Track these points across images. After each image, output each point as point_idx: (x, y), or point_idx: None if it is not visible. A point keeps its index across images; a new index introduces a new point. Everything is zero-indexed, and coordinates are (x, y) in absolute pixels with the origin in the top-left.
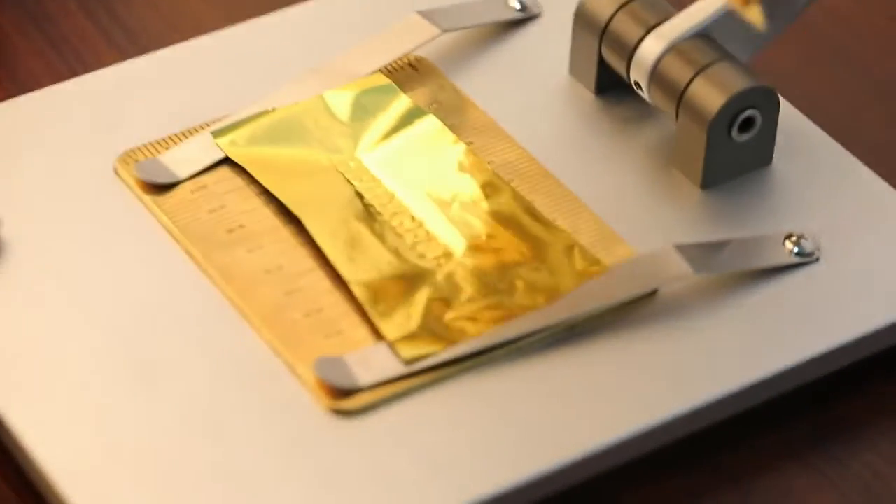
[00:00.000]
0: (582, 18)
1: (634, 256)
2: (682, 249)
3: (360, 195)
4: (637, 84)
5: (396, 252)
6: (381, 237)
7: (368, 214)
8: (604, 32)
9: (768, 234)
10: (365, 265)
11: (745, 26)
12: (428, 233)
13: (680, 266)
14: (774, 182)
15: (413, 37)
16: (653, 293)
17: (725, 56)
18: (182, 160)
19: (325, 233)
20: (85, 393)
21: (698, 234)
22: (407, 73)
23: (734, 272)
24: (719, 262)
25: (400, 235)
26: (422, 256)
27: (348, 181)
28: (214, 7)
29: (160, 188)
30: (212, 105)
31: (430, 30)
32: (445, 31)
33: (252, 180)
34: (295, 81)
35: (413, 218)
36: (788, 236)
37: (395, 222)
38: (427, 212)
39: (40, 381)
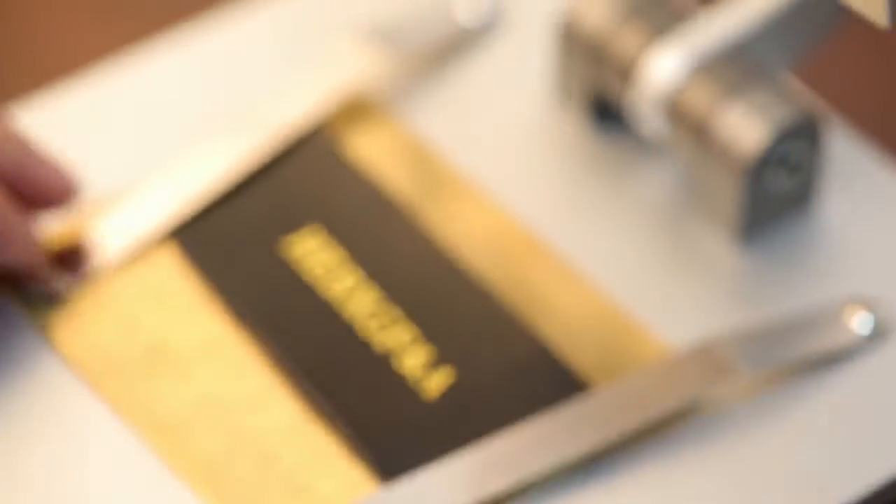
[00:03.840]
0: (569, 34)
1: (661, 360)
2: (723, 342)
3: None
4: (642, 113)
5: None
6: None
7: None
8: (601, 49)
9: (821, 306)
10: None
11: (786, 29)
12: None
13: (727, 365)
14: (821, 228)
15: (351, 69)
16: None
17: (760, 74)
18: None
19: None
20: None
21: (735, 305)
22: (346, 117)
23: (790, 364)
24: (771, 353)
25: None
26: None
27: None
28: (95, 31)
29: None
30: (101, 173)
31: (371, 59)
32: (395, 58)
33: (169, 277)
34: (214, 141)
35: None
36: (847, 305)
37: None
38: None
39: None
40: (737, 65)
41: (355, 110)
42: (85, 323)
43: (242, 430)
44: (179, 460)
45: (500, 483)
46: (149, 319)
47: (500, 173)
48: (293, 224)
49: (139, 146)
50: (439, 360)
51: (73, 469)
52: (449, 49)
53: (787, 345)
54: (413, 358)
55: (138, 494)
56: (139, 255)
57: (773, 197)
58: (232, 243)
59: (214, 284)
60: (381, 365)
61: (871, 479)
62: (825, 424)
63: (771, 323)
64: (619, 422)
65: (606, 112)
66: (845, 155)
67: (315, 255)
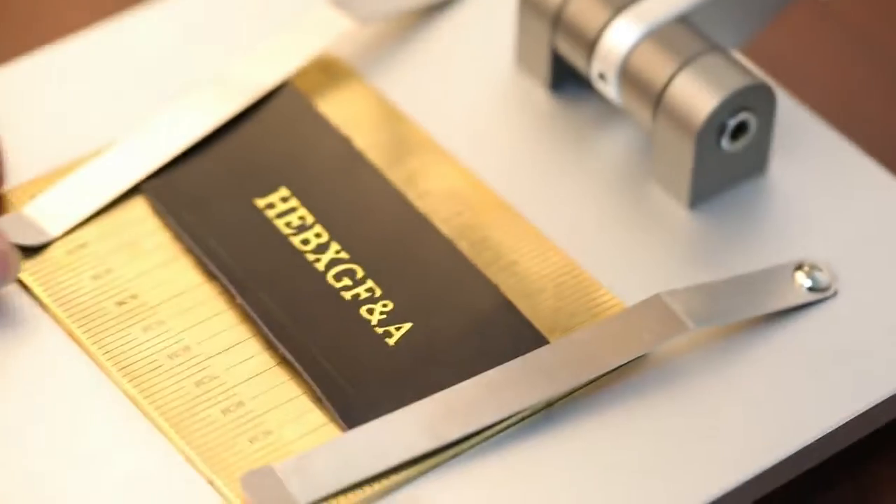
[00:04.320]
0: None
1: (616, 314)
2: (675, 297)
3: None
4: (601, 76)
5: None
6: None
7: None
8: (558, 15)
9: (773, 268)
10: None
11: (737, 7)
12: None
13: (675, 321)
14: (773, 194)
15: (322, 32)
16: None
17: (712, 46)
18: (53, 212)
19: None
20: None
21: (690, 268)
22: (317, 79)
23: (737, 320)
24: (721, 311)
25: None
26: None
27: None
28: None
29: (26, 251)
30: (80, 133)
31: (342, 22)
32: (362, 22)
33: (143, 234)
34: (185, 101)
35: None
36: (799, 266)
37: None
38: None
39: None
40: (690, 36)
41: (326, 72)
42: (61, 273)
43: (211, 376)
44: (150, 404)
45: (458, 429)
46: (122, 271)
47: (465, 136)
48: (265, 183)
49: (115, 108)
50: (402, 311)
51: (47, 412)
52: (417, 13)
53: (735, 302)
54: (377, 310)
55: (110, 436)
56: (113, 208)
57: (725, 162)
58: (204, 198)
59: (186, 237)
60: (347, 315)
61: (811, 432)
62: (770, 376)
63: (721, 281)
64: (574, 372)
65: (568, 77)
66: (794, 124)
67: (285, 212)
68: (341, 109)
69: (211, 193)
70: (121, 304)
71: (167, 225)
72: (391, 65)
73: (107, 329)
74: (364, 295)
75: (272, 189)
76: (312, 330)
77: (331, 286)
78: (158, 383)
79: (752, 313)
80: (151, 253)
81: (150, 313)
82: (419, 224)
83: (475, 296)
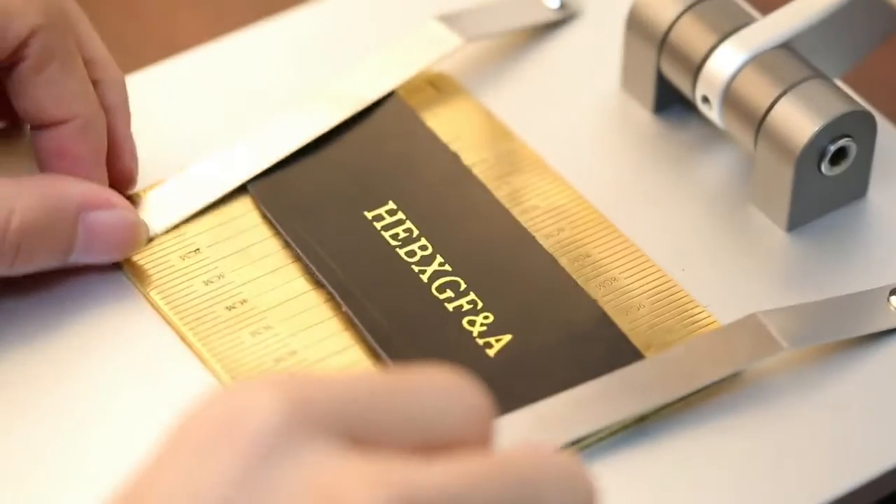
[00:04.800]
0: (637, 21)
1: (711, 332)
2: (770, 317)
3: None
4: (705, 100)
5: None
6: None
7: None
8: (664, 39)
9: (868, 291)
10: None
11: (840, 35)
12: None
13: (770, 340)
14: (871, 218)
15: (431, 48)
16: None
17: (815, 73)
18: (158, 210)
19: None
20: None
21: (785, 289)
22: (426, 94)
23: (831, 342)
24: (815, 332)
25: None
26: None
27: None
28: (197, 18)
29: None
30: (195, 142)
31: (451, 39)
32: (470, 39)
33: (254, 241)
34: (293, 109)
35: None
36: (894, 291)
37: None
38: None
39: None
40: (793, 62)
41: (435, 86)
42: (176, 276)
43: None
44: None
45: (552, 440)
46: (233, 276)
47: (569, 154)
48: (373, 195)
49: (231, 119)
50: (502, 324)
51: (155, 413)
52: (525, 32)
53: (830, 323)
54: (478, 321)
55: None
56: (220, 211)
57: (824, 187)
58: (313, 206)
59: (294, 244)
60: (449, 325)
61: None
62: (861, 398)
63: (816, 303)
64: (668, 387)
65: (672, 100)
66: (892, 151)
67: (391, 224)
68: (449, 124)
69: (320, 202)
70: (230, 308)
71: (276, 233)
72: (498, 82)
73: (216, 332)
74: (466, 307)
75: (381, 202)
76: (415, 340)
77: (434, 297)
78: None
79: (846, 335)
80: (261, 260)
81: (258, 318)
82: (521, 238)
83: (574, 310)
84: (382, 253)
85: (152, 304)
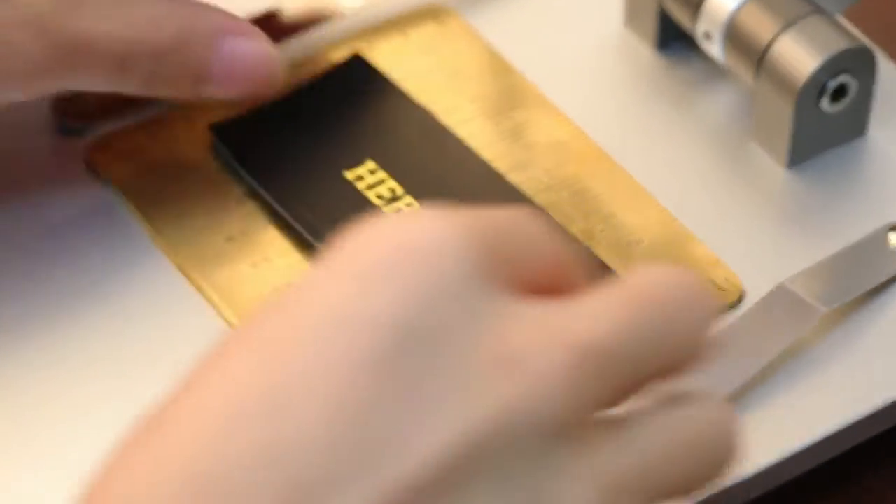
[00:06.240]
0: None
1: (746, 312)
2: (797, 283)
3: None
4: (707, 35)
5: None
6: None
7: None
8: None
9: (872, 234)
10: None
11: None
12: None
13: (807, 306)
14: (871, 156)
15: None
16: None
17: (816, 8)
18: None
19: None
20: None
21: (786, 225)
22: (428, 28)
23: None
24: (842, 288)
25: None
26: None
27: None
28: None
29: None
30: None
31: None
32: None
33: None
34: None
35: None
36: (893, 227)
37: None
38: None
39: None
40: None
41: (436, 20)
42: (176, 217)
43: None
44: None
45: None
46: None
47: (571, 91)
48: (352, 156)
49: None
50: None
51: (166, 346)
52: None
53: (852, 278)
54: None
55: None
56: None
57: (824, 123)
58: (295, 168)
59: (278, 204)
60: None
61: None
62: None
63: (832, 259)
64: (726, 380)
65: (674, 36)
66: (892, 89)
67: (374, 183)
68: (450, 58)
69: (297, 160)
70: (228, 240)
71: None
72: (501, 17)
73: (215, 265)
74: None
75: (359, 161)
76: None
77: None
78: None
79: (869, 285)
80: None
81: (256, 251)
82: (505, 189)
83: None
84: (367, 212)
85: (152, 240)
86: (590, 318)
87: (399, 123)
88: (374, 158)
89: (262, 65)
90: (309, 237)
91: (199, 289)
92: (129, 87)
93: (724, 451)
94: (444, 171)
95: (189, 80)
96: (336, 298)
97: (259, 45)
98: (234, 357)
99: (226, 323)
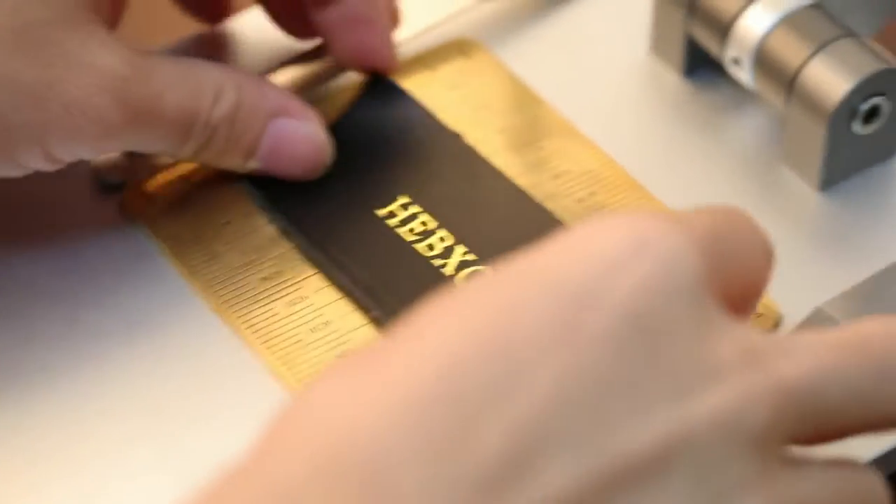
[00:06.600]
0: None
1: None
2: (835, 307)
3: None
4: (735, 61)
5: None
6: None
7: None
8: (694, 1)
9: None
10: None
11: None
12: None
13: None
14: None
15: (446, 4)
16: None
17: (846, 31)
18: None
19: None
20: None
21: (819, 248)
22: (456, 61)
23: None
24: (878, 313)
25: None
26: None
27: None
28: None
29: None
30: None
31: None
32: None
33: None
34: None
35: None
36: None
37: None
38: None
39: None
40: (825, 21)
41: (463, 52)
42: (211, 258)
43: (350, 351)
44: (290, 375)
45: None
46: (263, 256)
47: (598, 119)
48: (383, 193)
49: None
50: None
51: (202, 387)
52: None
53: (887, 300)
54: None
55: (258, 404)
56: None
57: (856, 145)
58: (326, 211)
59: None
60: None
61: None
62: None
63: (868, 281)
64: None
65: (701, 62)
66: None
67: (406, 219)
68: (479, 90)
69: (332, 206)
70: (264, 280)
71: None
72: (527, 48)
73: (252, 305)
74: None
75: (391, 199)
76: None
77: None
78: (300, 356)
79: None
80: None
81: (291, 289)
82: (541, 216)
83: None
84: (401, 250)
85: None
86: (799, 353)
87: (429, 149)
88: (407, 193)
89: (310, 149)
90: (344, 280)
91: (235, 329)
92: (183, 153)
93: None
94: (476, 199)
95: (239, 153)
96: (581, 275)
97: (311, 129)
98: (467, 308)
99: (262, 362)
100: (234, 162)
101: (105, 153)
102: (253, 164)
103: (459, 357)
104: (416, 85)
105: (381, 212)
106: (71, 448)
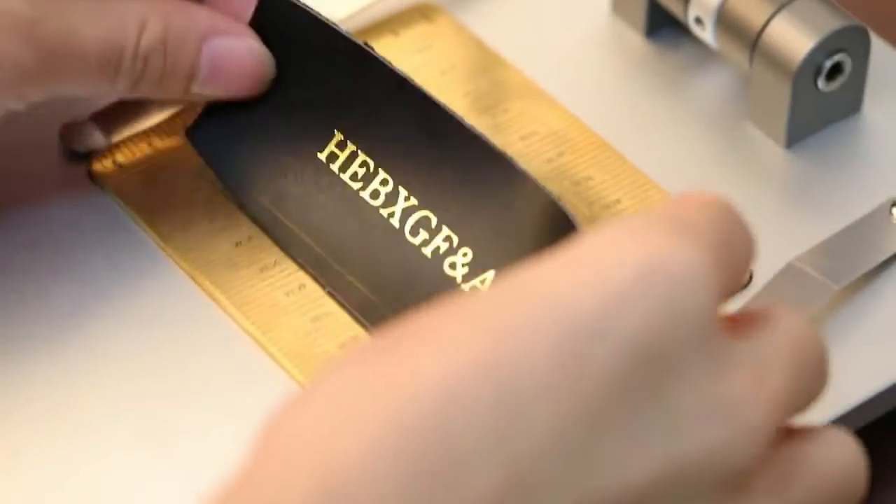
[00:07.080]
0: None
1: (759, 292)
2: (806, 261)
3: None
4: (698, 21)
5: None
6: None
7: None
8: None
9: (876, 210)
10: None
11: None
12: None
13: (819, 284)
14: (866, 132)
15: None
16: None
17: None
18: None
19: None
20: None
21: (786, 204)
22: (419, 26)
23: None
24: (850, 265)
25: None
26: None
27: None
28: None
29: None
30: None
31: None
32: None
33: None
34: None
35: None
36: (895, 203)
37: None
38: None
39: None
40: None
41: (425, 17)
42: (183, 224)
43: (325, 313)
44: (267, 339)
45: None
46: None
47: (562, 80)
48: (320, 129)
49: None
50: (482, 259)
51: (179, 354)
52: None
53: (859, 254)
54: (458, 263)
55: (236, 371)
56: None
57: (820, 102)
58: (267, 163)
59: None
60: (433, 276)
61: None
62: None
63: (837, 236)
64: None
65: (663, 23)
66: (887, 65)
67: (346, 161)
68: (443, 54)
69: (273, 153)
70: (238, 245)
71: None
72: (488, 10)
73: (226, 270)
74: (443, 247)
75: (330, 136)
76: (402, 306)
77: (411, 245)
78: (278, 319)
79: (875, 261)
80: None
81: (264, 255)
82: (486, 154)
83: (556, 227)
84: (349, 206)
85: (183, 271)
86: (779, 367)
87: (343, 68)
88: (341, 128)
89: (250, 63)
90: (305, 252)
91: (210, 295)
92: (118, 89)
93: (858, 488)
94: (413, 133)
95: (177, 80)
96: (588, 304)
97: (247, 43)
98: (468, 327)
99: (238, 328)
100: (175, 91)
101: (31, 100)
102: (196, 90)
103: (457, 389)
104: (380, 49)
105: (323, 154)
106: (48, 421)
